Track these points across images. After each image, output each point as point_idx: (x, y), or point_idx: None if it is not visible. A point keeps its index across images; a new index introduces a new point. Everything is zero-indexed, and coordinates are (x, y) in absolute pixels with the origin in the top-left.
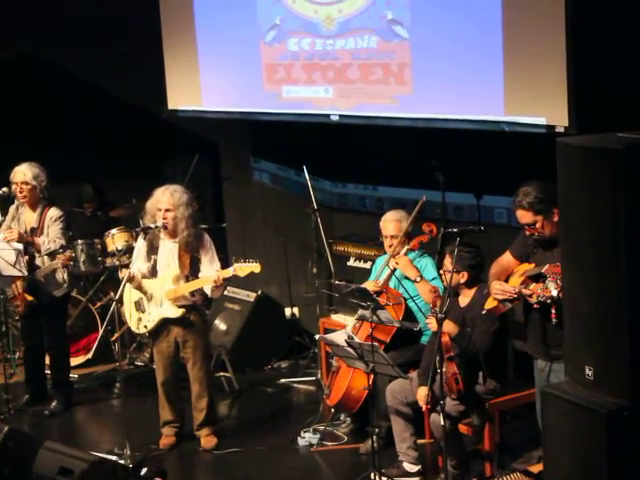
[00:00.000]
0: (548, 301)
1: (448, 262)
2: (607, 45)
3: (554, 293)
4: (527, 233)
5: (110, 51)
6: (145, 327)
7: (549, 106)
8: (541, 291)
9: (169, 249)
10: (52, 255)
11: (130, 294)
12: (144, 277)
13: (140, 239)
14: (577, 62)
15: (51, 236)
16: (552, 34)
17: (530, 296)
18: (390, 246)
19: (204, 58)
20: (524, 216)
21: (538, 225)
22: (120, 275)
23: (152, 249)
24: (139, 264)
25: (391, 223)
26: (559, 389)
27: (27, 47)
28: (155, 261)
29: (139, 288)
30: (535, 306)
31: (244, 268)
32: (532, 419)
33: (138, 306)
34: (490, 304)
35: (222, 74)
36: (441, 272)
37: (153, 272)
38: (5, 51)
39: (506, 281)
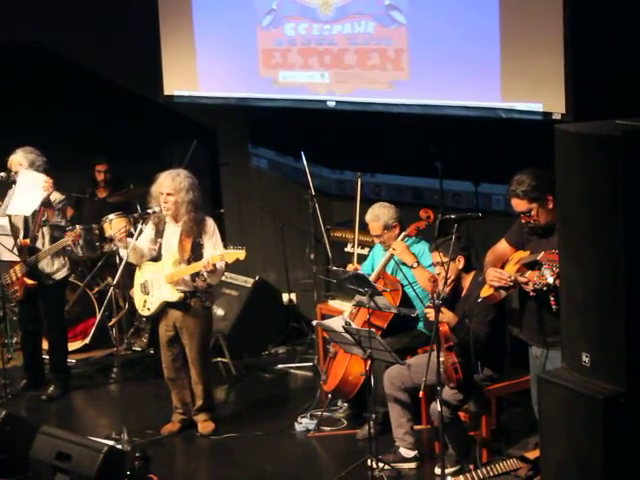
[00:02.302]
0: (544, 288)
1: (438, 256)
2: (605, 31)
3: (550, 280)
4: (523, 221)
5: (107, 36)
6: (148, 309)
7: (546, 93)
8: (537, 279)
9: (172, 233)
10: (54, 238)
11: (138, 276)
12: (142, 257)
13: (149, 223)
14: (574, 49)
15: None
16: (550, 20)
17: (526, 284)
18: (382, 243)
19: (201, 43)
20: (519, 204)
21: (533, 213)
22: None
23: (158, 233)
24: (142, 242)
25: (371, 224)
26: (556, 375)
27: (24, 32)
28: (160, 244)
29: (139, 264)
30: (532, 294)
31: (230, 254)
32: (528, 406)
33: (144, 288)
34: (486, 292)
35: (218, 59)
36: (436, 269)
37: (159, 255)
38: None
39: (502, 269)
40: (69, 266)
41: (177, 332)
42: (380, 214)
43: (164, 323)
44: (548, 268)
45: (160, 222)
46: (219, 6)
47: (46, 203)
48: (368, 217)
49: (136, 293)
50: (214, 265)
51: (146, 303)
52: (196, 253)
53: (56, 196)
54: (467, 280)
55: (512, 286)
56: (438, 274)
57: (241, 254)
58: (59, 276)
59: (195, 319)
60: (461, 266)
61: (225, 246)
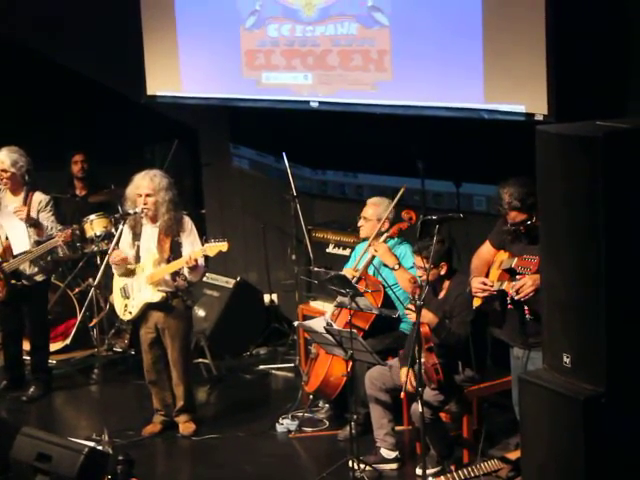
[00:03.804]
0: (521, 300)
1: (420, 261)
2: (587, 33)
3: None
4: (511, 228)
5: (89, 36)
6: (130, 313)
7: (528, 94)
8: (512, 291)
9: (150, 234)
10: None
11: (117, 281)
12: (129, 263)
13: (125, 227)
14: (557, 50)
15: (45, 223)
16: (532, 22)
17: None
18: (360, 227)
19: (184, 44)
20: (518, 216)
21: (534, 220)
22: (110, 261)
23: (135, 236)
24: (125, 250)
25: (369, 206)
26: (537, 376)
27: (6, 31)
28: (138, 247)
29: (125, 274)
30: (509, 306)
31: (212, 247)
32: (509, 406)
33: (124, 292)
34: (476, 302)
35: (201, 60)
36: (418, 272)
37: (137, 258)
38: None
39: (487, 273)
40: (50, 267)
41: (158, 334)
42: (382, 204)
43: (145, 325)
44: (521, 279)
45: (137, 225)
46: (202, 7)
47: (35, 224)
48: (372, 200)
49: (116, 298)
50: (196, 260)
51: (127, 307)
52: (175, 252)
53: (40, 197)
54: (444, 285)
55: (496, 296)
56: (420, 276)
57: (223, 246)
58: (40, 277)
59: (177, 320)
60: (443, 272)
61: (203, 243)
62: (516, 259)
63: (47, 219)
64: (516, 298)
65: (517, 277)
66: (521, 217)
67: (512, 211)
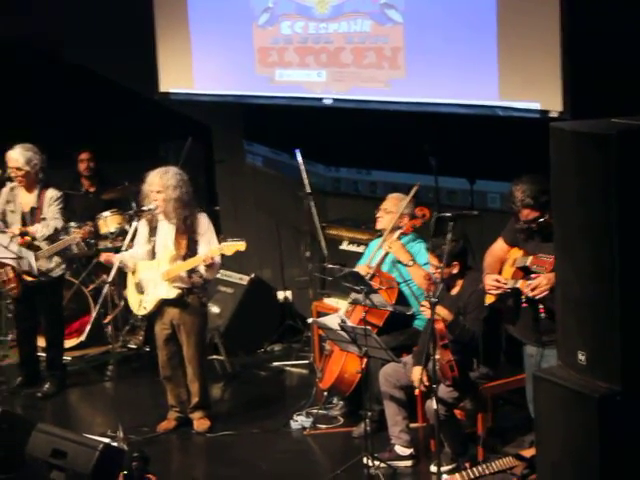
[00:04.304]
0: (536, 298)
1: (434, 259)
2: (602, 30)
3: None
4: (524, 226)
5: (103, 34)
6: (144, 309)
7: (543, 91)
8: (527, 289)
9: (166, 231)
10: (51, 238)
11: (131, 276)
12: (143, 260)
13: (141, 222)
14: (572, 47)
15: (49, 215)
16: (547, 19)
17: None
18: (378, 218)
19: (196, 41)
20: (530, 214)
21: (547, 217)
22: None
23: (151, 231)
24: (139, 248)
25: (390, 199)
26: (551, 374)
27: (19, 28)
28: (154, 243)
29: (133, 272)
30: (523, 305)
31: (230, 246)
32: (524, 404)
33: (139, 288)
34: (489, 299)
35: (214, 57)
36: (431, 269)
37: (153, 254)
38: None
39: (501, 270)
40: (65, 263)
41: (174, 330)
42: (402, 199)
43: (160, 322)
44: (537, 277)
45: (153, 220)
46: (215, 4)
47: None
48: (393, 194)
49: (130, 294)
50: (213, 258)
51: (142, 302)
52: (192, 249)
53: (52, 193)
54: (457, 283)
55: (510, 293)
56: (433, 273)
57: (241, 245)
58: (55, 273)
59: (192, 316)
60: (456, 271)
61: (220, 242)
62: (531, 257)
63: (51, 212)
64: (531, 296)
65: (532, 276)
66: (534, 214)
67: (525, 208)
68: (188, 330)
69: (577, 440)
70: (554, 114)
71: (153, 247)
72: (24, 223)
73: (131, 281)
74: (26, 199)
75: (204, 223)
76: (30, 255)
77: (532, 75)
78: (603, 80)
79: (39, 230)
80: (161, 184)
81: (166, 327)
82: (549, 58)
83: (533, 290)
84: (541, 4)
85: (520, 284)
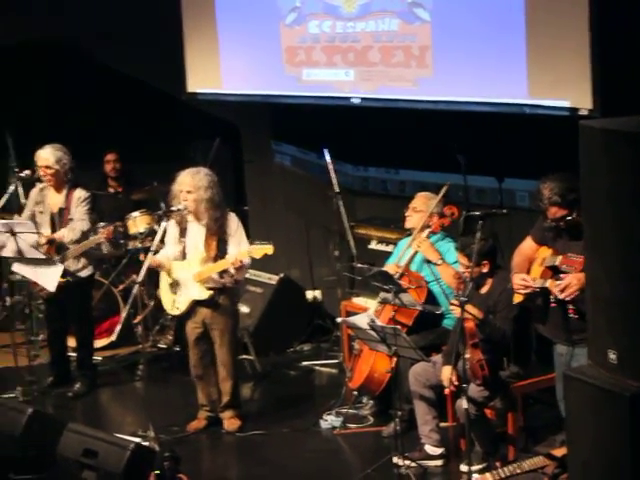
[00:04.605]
0: (565, 299)
1: (463, 258)
2: (632, 27)
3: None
4: (552, 224)
5: (130, 34)
6: (177, 309)
7: (573, 89)
8: (556, 290)
9: (196, 231)
10: (79, 241)
11: (164, 276)
12: (176, 260)
13: (171, 223)
14: (601, 44)
15: (76, 216)
16: (575, 16)
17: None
18: (407, 217)
19: (224, 41)
20: (558, 212)
21: (575, 215)
22: (142, 259)
23: (181, 232)
24: (170, 248)
25: (419, 197)
26: (582, 373)
27: (49, 31)
28: (185, 244)
29: (169, 272)
30: (552, 304)
31: (258, 249)
32: (554, 403)
33: (172, 288)
34: (517, 298)
35: (242, 56)
36: (461, 268)
37: (183, 255)
38: (27, 35)
39: (529, 269)
40: (94, 264)
41: (205, 329)
42: (432, 198)
43: (192, 321)
44: (566, 278)
45: (182, 221)
46: (242, 3)
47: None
48: (422, 193)
49: (164, 293)
50: (241, 261)
51: (175, 303)
52: (222, 250)
53: (80, 194)
54: (487, 282)
55: (539, 292)
56: (463, 272)
57: (269, 249)
58: (84, 274)
59: (224, 316)
60: (485, 270)
61: (250, 242)
62: (560, 257)
63: (78, 212)
64: (560, 297)
65: (561, 276)
66: (561, 212)
67: (552, 206)
68: (220, 330)
69: (608, 439)
70: (584, 112)
71: (184, 248)
72: (53, 224)
73: (164, 281)
74: (55, 200)
75: (234, 224)
76: (53, 272)
77: (561, 73)
78: (633, 77)
79: (66, 235)
80: (192, 184)
81: (198, 326)
82: (578, 55)
83: (563, 291)
84: (570, 2)
85: (549, 284)
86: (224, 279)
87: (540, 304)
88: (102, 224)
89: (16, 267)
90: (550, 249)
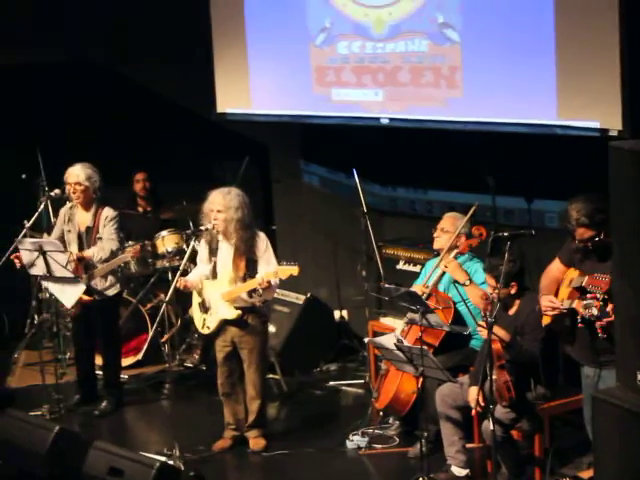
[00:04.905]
0: (592, 319)
1: (491, 279)
2: None
3: (595, 312)
4: (580, 245)
5: (160, 54)
6: (208, 328)
7: (603, 110)
8: (583, 310)
9: (226, 251)
10: (107, 260)
11: (195, 295)
12: (207, 279)
13: (201, 243)
14: (632, 65)
15: (105, 236)
16: (606, 37)
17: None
18: (435, 237)
19: (254, 60)
20: (586, 232)
21: (602, 236)
22: (175, 282)
23: (212, 251)
24: (202, 268)
25: (447, 218)
26: (610, 395)
27: (76, 50)
28: (215, 263)
29: (200, 292)
30: (579, 325)
31: (284, 270)
32: (582, 425)
33: (202, 307)
34: (546, 320)
35: (271, 76)
36: (489, 289)
37: (214, 274)
38: (54, 54)
39: (557, 291)
40: (121, 282)
41: (234, 347)
42: (460, 218)
43: (221, 339)
44: (592, 298)
45: (213, 240)
46: (272, 24)
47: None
48: (450, 213)
49: (195, 312)
50: (269, 282)
51: (205, 322)
52: (251, 270)
53: (108, 212)
54: (515, 303)
55: (566, 313)
56: (491, 294)
57: (294, 270)
58: (111, 292)
59: (253, 335)
60: (513, 291)
61: (278, 262)
62: (587, 277)
63: (107, 232)
64: (587, 317)
65: (587, 296)
66: (589, 233)
67: (580, 227)
68: (249, 349)
69: (636, 462)
70: (613, 133)
71: (214, 267)
72: (80, 242)
73: (196, 300)
74: (82, 218)
75: (263, 244)
76: (75, 290)
77: (591, 94)
78: None
79: (95, 254)
80: (223, 204)
81: (227, 345)
82: (608, 77)
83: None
84: (600, 23)
85: (576, 304)
86: (253, 299)
87: (567, 325)
88: (130, 243)
89: (44, 282)
90: (577, 271)
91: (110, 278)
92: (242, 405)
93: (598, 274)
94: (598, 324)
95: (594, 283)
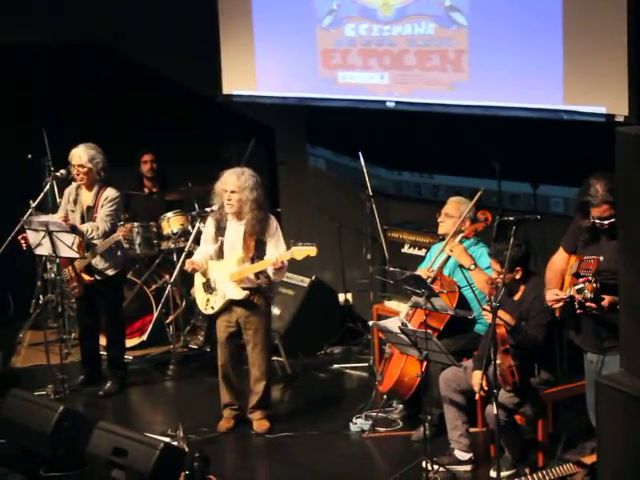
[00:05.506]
0: (587, 303)
1: (496, 264)
2: None
3: (588, 295)
4: (605, 225)
5: (166, 35)
6: (212, 308)
7: (609, 95)
8: (578, 294)
9: (235, 231)
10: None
11: (198, 275)
12: (211, 259)
13: (209, 221)
14: (638, 50)
15: (99, 216)
16: (613, 22)
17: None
18: (440, 222)
19: (260, 42)
20: (607, 210)
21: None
22: (181, 264)
23: (219, 230)
24: (206, 248)
25: (452, 203)
26: (613, 380)
27: (84, 31)
28: (222, 242)
29: (204, 273)
30: (578, 311)
31: (301, 251)
32: (585, 410)
33: (206, 287)
34: (557, 312)
35: (277, 58)
36: (493, 274)
37: (220, 253)
38: (61, 35)
39: (563, 282)
40: (119, 262)
41: (239, 328)
42: (464, 203)
43: (225, 319)
44: (584, 281)
45: (222, 219)
46: (279, 6)
47: (75, 231)
48: (454, 198)
49: (198, 292)
50: (282, 262)
51: (209, 302)
52: (260, 251)
53: (108, 193)
54: (519, 288)
55: (571, 301)
56: (496, 278)
57: (312, 251)
58: (110, 272)
59: (258, 316)
60: (518, 277)
61: (290, 245)
62: (579, 262)
63: (102, 212)
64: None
65: (579, 280)
66: (609, 212)
67: (604, 204)
68: (255, 330)
69: (639, 447)
70: (620, 118)
71: (220, 246)
72: (83, 222)
73: (199, 280)
74: (86, 198)
75: (273, 226)
76: (67, 238)
77: (598, 79)
78: None
79: (88, 230)
80: (237, 185)
81: (231, 325)
82: (615, 62)
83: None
84: (608, 8)
85: (572, 291)
86: (260, 280)
87: (571, 312)
88: (137, 224)
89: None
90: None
91: (108, 258)
92: (242, 385)
93: (588, 256)
94: (588, 304)
95: (585, 266)
